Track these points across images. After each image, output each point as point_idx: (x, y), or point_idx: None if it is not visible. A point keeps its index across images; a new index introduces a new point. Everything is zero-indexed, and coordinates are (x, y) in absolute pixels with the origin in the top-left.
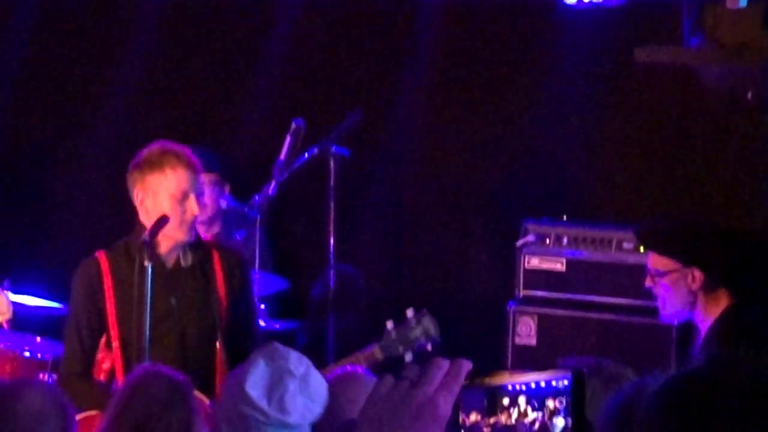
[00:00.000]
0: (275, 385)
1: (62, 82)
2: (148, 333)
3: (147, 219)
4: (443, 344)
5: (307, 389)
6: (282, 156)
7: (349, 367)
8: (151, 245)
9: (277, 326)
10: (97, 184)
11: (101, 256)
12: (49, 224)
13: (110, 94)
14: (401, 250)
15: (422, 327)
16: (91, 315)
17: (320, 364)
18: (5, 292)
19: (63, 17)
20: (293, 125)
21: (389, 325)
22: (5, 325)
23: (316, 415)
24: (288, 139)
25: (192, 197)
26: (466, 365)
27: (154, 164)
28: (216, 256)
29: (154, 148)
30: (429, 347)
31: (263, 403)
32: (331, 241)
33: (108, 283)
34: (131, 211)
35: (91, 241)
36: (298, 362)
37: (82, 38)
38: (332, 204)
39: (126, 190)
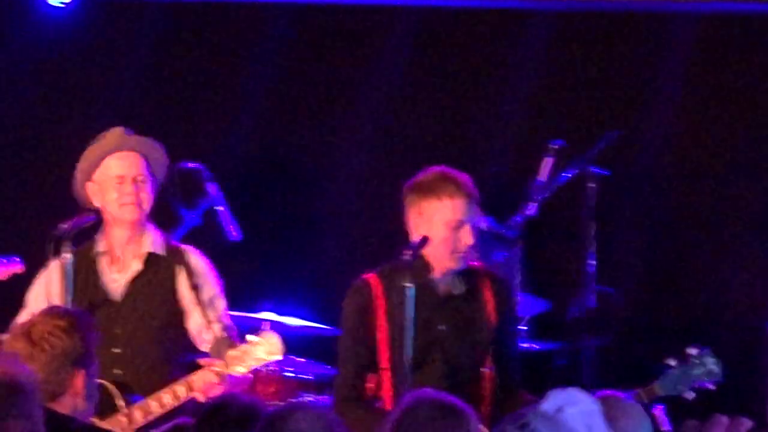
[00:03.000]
0: None
1: (318, 99)
2: (410, 354)
3: None
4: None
5: None
6: (541, 177)
7: (609, 391)
8: (413, 265)
9: (536, 347)
10: (357, 203)
11: (372, 278)
12: (309, 244)
13: (365, 111)
14: (661, 271)
15: (705, 367)
16: (364, 338)
17: (579, 385)
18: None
19: (316, 30)
20: (552, 146)
21: (671, 362)
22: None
23: None
24: (547, 159)
25: (467, 227)
26: (746, 424)
27: (432, 190)
28: (487, 283)
29: (432, 172)
30: (711, 386)
31: None
32: (591, 261)
33: (380, 305)
34: (394, 232)
35: (351, 261)
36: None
37: (334, 56)
38: (592, 224)
39: (383, 211)
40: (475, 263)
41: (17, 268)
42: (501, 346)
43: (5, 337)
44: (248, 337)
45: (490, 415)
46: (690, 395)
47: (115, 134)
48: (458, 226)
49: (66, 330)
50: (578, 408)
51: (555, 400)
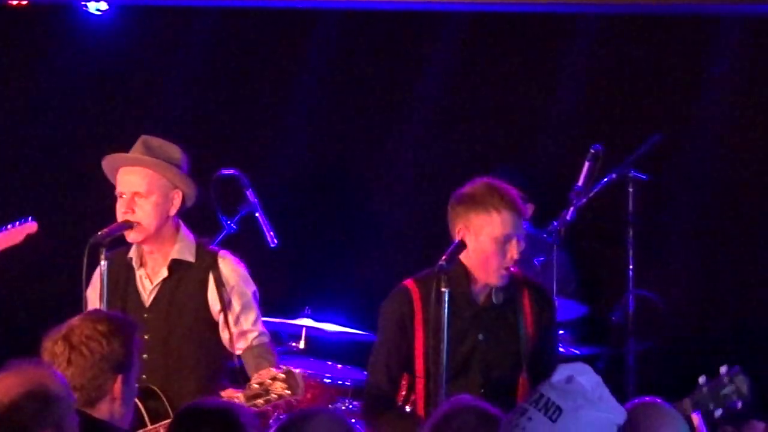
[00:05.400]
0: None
1: (360, 105)
2: (445, 362)
3: (465, 255)
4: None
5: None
6: (580, 181)
7: (647, 398)
8: (451, 274)
9: (577, 352)
10: (397, 208)
11: (411, 286)
12: (348, 250)
13: (411, 117)
14: (701, 276)
15: (735, 385)
16: (400, 344)
17: (620, 391)
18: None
19: (362, 36)
20: (591, 150)
21: (701, 380)
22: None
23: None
24: (586, 164)
25: (514, 241)
26: None
27: (479, 203)
28: (525, 292)
29: (480, 184)
30: (739, 406)
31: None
32: (631, 266)
33: (418, 313)
34: (435, 238)
35: (390, 267)
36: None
37: (380, 62)
38: (631, 229)
39: (423, 217)
40: (514, 270)
41: (31, 228)
42: (541, 354)
43: (46, 336)
44: (271, 370)
45: None
46: (719, 413)
47: (134, 148)
48: (506, 240)
49: (106, 335)
50: (587, 377)
51: (563, 371)
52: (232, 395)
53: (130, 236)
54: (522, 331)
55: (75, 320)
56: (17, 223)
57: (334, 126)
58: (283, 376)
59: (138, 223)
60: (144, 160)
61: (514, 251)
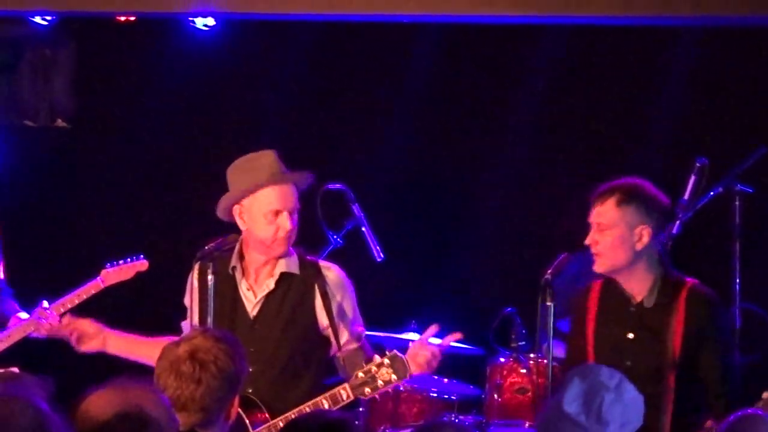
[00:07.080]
0: (591, 399)
1: (463, 119)
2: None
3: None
4: None
5: (622, 399)
6: (686, 195)
7: (750, 410)
8: (552, 284)
9: None
10: (502, 222)
11: (596, 285)
12: (454, 264)
13: (514, 130)
14: None
15: None
16: (575, 336)
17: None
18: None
19: (463, 50)
20: (697, 164)
21: None
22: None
23: (634, 425)
24: (692, 177)
25: (593, 231)
26: None
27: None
28: (684, 296)
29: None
30: None
31: (581, 418)
32: (737, 279)
33: (592, 308)
34: (540, 250)
35: (494, 281)
36: (610, 375)
37: (480, 76)
38: (737, 242)
39: (529, 230)
40: (689, 279)
41: (142, 266)
42: (696, 360)
43: (163, 354)
44: (375, 357)
45: (671, 427)
46: None
47: (269, 161)
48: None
49: (230, 353)
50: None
51: None
52: (337, 387)
53: (283, 251)
54: (670, 334)
55: (195, 338)
56: (129, 259)
57: (438, 139)
58: (388, 361)
59: (290, 240)
60: (299, 177)
61: (591, 238)
